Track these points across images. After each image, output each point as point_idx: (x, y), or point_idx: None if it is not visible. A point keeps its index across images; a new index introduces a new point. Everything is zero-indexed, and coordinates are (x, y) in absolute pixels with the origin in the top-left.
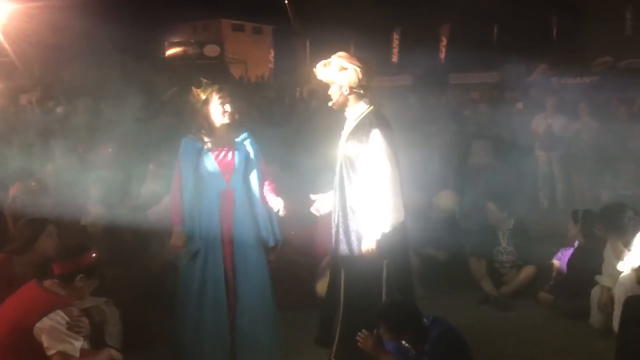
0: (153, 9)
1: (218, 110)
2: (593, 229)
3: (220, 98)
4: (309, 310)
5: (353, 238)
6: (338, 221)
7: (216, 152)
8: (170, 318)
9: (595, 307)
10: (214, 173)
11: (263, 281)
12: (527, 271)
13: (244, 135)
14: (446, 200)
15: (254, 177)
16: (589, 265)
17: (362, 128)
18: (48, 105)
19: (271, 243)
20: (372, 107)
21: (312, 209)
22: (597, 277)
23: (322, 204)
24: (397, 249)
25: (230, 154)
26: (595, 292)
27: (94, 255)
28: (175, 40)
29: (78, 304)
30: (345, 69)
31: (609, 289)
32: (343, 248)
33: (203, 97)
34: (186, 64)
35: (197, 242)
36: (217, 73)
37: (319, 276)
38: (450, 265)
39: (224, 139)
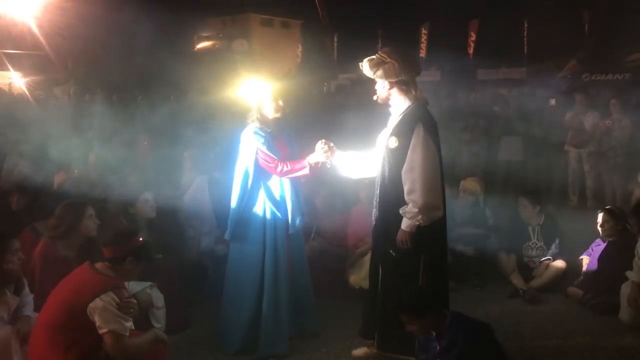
0: (184, 2)
1: (271, 106)
2: (626, 225)
3: (272, 94)
4: (339, 299)
5: (392, 232)
6: (378, 215)
7: (276, 142)
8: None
9: (625, 303)
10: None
11: (303, 255)
12: (557, 266)
13: (285, 124)
14: (472, 183)
15: None
16: (621, 261)
17: (407, 123)
18: (84, 98)
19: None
20: (416, 103)
21: (322, 150)
22: (628, 273)
23: (330, 150)
24: (434, 244)
25: (283, 143)
26: (625, 288)
27: (141, 238)
28: (205, 34)
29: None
30: (386, 63)
31: (639, 285)
32: (382, 242)
33: (256, 94)
34: (215, 57)
35: (261, 227)
36: (245, 67)
37: (350, 266)
38: (478, 259)
39: (276, 129)
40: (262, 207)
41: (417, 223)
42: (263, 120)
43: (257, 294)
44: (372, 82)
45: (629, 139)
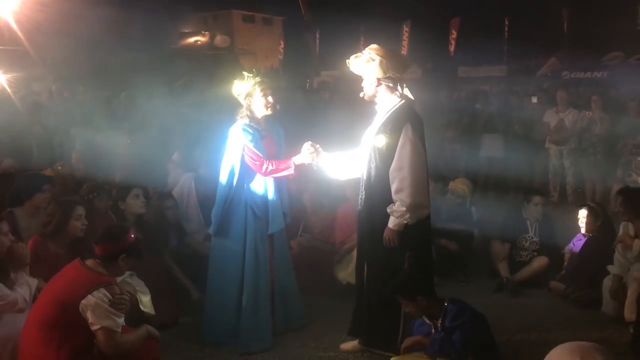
0: None
1: (261, 102)
2: (606, 220)
3: (262, 90)
4: (327, 294)
5: (377, 230)
6: (364, 213)
7: (264, 141)
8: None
9: (608, 296)
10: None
11: (287, 253)
12: (540, 261)
13: (275, 122)
14: (460, 185)
15: None
16: (601, 256)
17: (395, 121)
18: (64, 95)
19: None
20: (403, 102)
21: (308, 151)
22: (609, 267)
23: (316, 152)
24: (420, 242)
25: (271, 141)
26: (607, 281)
27: (132, 236)
28: (187, 30)
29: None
30: (373, 60)
31: (620, 278)
32: (368, 240)
33: (246, 90)
34: (197, 54)
35: (244, 224)
36: (227, 64)
37: (338, 262)
38: (463, 254)
39: (266, 128)
40: (244, 205)
41: (405, 222)
42: (252, 118)
43: (238, 290)
44: (355, 79)
45: (609, 135)
